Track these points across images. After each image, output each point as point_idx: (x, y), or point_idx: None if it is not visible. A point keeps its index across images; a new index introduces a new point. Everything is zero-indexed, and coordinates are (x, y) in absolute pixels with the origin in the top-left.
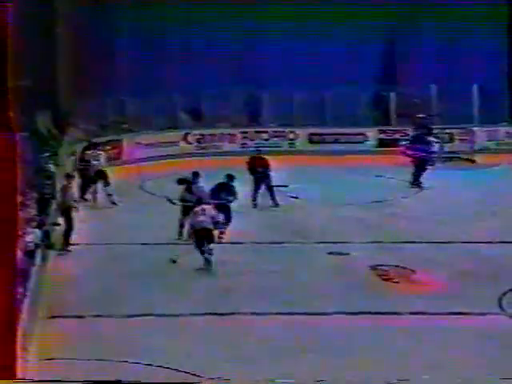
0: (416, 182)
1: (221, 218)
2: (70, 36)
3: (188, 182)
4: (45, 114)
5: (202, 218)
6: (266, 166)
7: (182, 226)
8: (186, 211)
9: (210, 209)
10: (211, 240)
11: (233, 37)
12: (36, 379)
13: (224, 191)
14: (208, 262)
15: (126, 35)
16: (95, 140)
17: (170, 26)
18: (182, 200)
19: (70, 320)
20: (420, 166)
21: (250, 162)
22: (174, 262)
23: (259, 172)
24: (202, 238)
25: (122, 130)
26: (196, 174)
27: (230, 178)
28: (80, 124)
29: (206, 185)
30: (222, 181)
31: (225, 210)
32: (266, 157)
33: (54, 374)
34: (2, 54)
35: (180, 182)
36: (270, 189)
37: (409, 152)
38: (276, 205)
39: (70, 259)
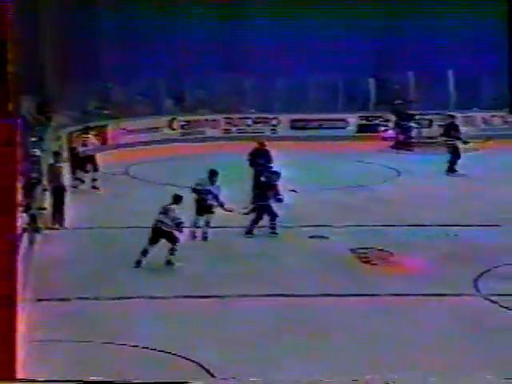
0: (451, 170)
1: (183, 219)
2: (54, 22)
3: (198, 193)
4: (30, 99)
5: (162, 217)
6: (267, 159)
7: (196, 226)
8: (201, 211)
9: (174, 209)
10: (173, 240)
11: (217, 23)
12: (36, 379)
13: (269, 190)
14: (168, 262)
15: (110, 21)
16: (86, 125)
17: (154, 12)
18: (198, 200)
19: (56, 303)
20: (456, 154)
21: (252, 153)
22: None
23: (260, 164)
24: (157, 237)
25: (106, 116)
26: (214, 173)
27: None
28: (65, 110)
29: (191, 168)
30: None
31: (268, 210)
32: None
33: (40, 356)
34: (2, 39)
35: (194, 191)
36: None
37: (447, 140)
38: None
39: (56, 243)
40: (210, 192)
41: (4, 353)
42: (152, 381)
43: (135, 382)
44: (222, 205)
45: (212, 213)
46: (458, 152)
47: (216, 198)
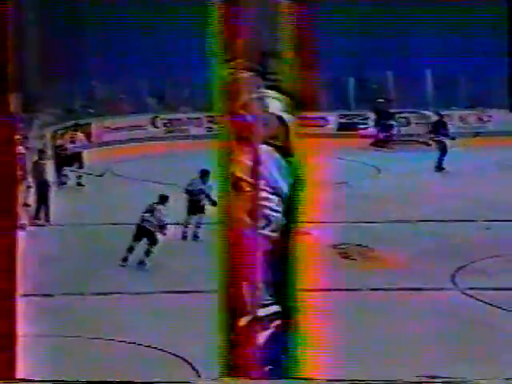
0: (441, 166)
1: (167, 221)
2: (38, 20)
3: (191, 194)
4: (14, 98)
5: (148, 215)
6: None
7: (187, 225)
8: (193, 211)
9: (160, 209)
10: (152, 241)
11: (196, 22)
12: (36, 379)
13: None
14: (140, 262)
15: (94, 20)
16: (75, 122)
17: (136, 10)
18: (191, 200)
19: (40, 298)
20: (444, 150)
21: None
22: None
23: None
24: (140, 235)
25: (90, 115)
26: (205, 172)
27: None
28: (49, 108)
29: (174, 166)
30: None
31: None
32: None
33: (25, 350)
34: (2, 37)
35: (187, 192)
36: None
37: (434, 137)
38: None
39: (40, 239)
40: (202, 192)
41: (4, 352)
42: (151, 380)
43: (134, 381)
44: (215, 203)
45: (204, 213)
46: (446, 149)
47: (208, 197)
